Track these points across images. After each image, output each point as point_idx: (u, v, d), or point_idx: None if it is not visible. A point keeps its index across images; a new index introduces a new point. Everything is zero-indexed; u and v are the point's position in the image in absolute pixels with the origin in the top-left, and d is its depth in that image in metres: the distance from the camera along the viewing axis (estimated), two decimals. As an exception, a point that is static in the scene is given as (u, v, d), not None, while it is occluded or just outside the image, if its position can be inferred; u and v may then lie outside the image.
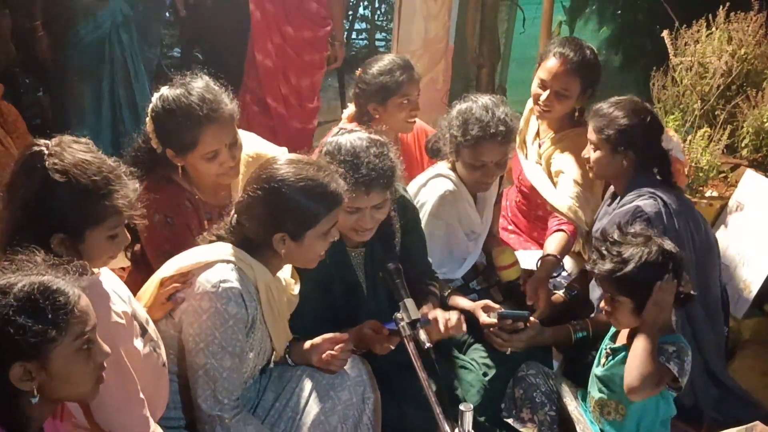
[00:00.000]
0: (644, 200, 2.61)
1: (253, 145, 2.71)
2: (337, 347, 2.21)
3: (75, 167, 1.80)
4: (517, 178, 3.29)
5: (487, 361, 2.63)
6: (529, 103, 3.20)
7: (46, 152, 1.81)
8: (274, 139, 2.91)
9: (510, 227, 3.40)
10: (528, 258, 3.06)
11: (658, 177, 2.71)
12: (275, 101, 4.35)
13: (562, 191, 3.01)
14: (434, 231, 2.81)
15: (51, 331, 1.44)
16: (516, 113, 2.88)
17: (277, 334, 2.18)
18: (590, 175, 2.87)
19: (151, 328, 2.01)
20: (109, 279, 1.93)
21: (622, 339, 2.36)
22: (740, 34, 3.91)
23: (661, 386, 2.21)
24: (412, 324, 2.11)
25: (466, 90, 4.19)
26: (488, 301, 2.68)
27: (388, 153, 2.32)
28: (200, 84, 2.44)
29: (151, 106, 2.45)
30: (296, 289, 2.28)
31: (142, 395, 1.89)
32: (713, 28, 3.93)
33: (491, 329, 2.60)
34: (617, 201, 2.76)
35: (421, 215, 2.76)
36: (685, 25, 3.95)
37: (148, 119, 2.46)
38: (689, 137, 3.66)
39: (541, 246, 3.12)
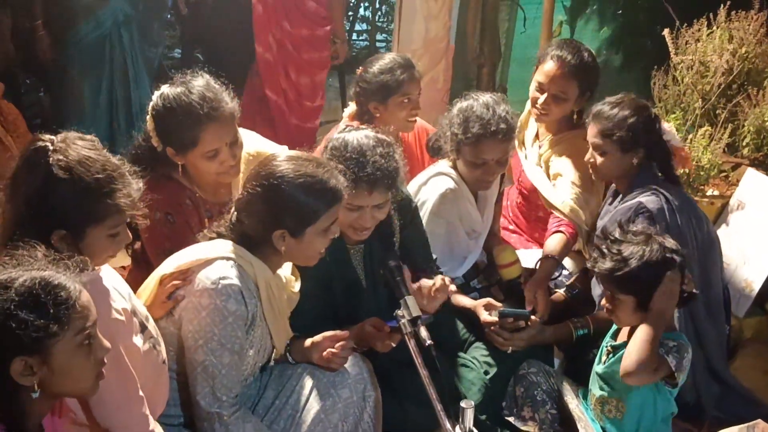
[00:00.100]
0: (647, 196, 2.62)
1: (253, 143, 2.71)
2: (337, 345, 2.21)
3: (79, 164, 1.79)
4: (517, 180, 3.28)
5: (488, 359, 2.63)
6: (528, 104, 3.19)
7: (51, 148, 1.80)
8: (273, 133, 2.91)
9: (511, 227, 3.40)
10: (529, 257, 3.06)
11: (659, 173, 2.71)
12: (275, 94, 4.38)
13: (561, 192, 3.01)
14: (435, 229, 2.81)
15: (52, 326, 1.44)
16: (516, 111, 2.87)
17: (277, 332, 2.18)
18: (594, 177, 2.86)
19: (151, 325, 2.01)
20: (110, 276, 1.93)
21: (623, 337, 2.35)
22: (741, 33, 3.91)
23: (657, 375, 2.20)
24: (413, 321, 2.11)
25: (467, 90, 4.18)
26: (490, 299, 2.68)
27: (394, 154, 2.32)
28: (201, 82, 2.43)
29: (151, 104, 2.45)
30: (296, 286, 2.28)
31: (141, 393, 1.89)
32: (714, 27, 3.93)
33: (492, 328, 2.60)
34: (619, 199, 2.76)
35: (421, 214, 2.76)
36: (686, 24, 3.95)
37: (148, 117, 2.46)
38: (690, 136, 3.66)
39: (542, 246, 3.11)
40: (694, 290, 2.30)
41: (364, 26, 7.32)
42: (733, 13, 3.97)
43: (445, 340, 2.63)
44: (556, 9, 4.90)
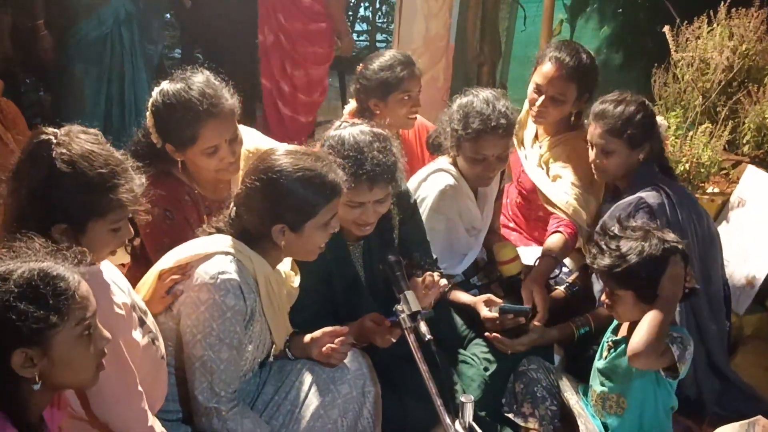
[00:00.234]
0: (647, 192, 2.61)
1: (253, 140, 2.70)
2: (337, 340, 2.20)
3: (82, 158, 1.78)
4: (517, 180, 3.27)
5: (488, 356, 2.62)
6: (527, 104, 3.18)
7: (54, 141, 1.80)
8: (267, 124, 2.92)
9: (511, 225, 3.39)
10: (529, 254, 3.05)
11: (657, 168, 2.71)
12: (269, 83, 4.53)
13: (562, 193, 3.00)
14: (435, 226, 2.80)
15: (52, 316, 1.43)
16: (516, 107, 2.86)
17: (276, 327, 2.17)
18: (597, 178, 2.85)
19: (150, 320, 2.01)
20: (109, 270, 1.92)
21: (623, 332, 2.35)
22: (741, 30, 3.91)
23: (662, 362, 2.19)
24: (413, 316, 2.10)
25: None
26: (490, 296, 2.67)
27: (391, 147, 2.31)
28: (201, 79, 2.43)
29: (151, 100, 2.44)
30: (296, 281, 2.27)
31: (140, 388, 1.88)
32: (714, 24, 3.93)
33: (492, 334, 2.59)
34: (619, 197, 2.75)
35: (421, 210, 2.75)
36: (686, 22, 3.95)
37: (148, 114, 2.45)
38: (690, 133, 3.66)
39: (542, 245, 3.11)
40: (696, 285, 2.29)
41: (365, 26, 7.33)
42: (733, 10, 3.97)
43: (445, 336, 2.63)
44: (557, 7, 4.90)
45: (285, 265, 2.25)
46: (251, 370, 2.19)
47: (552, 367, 2.60)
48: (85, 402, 1.83)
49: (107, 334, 1.57)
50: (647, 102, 2.74)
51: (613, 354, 2.33)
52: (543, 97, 2.97)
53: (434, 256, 2.72)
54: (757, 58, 3.95)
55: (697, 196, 3.37)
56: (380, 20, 7.30)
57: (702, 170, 3.60)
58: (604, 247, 2.25)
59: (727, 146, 3.81)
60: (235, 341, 2.00)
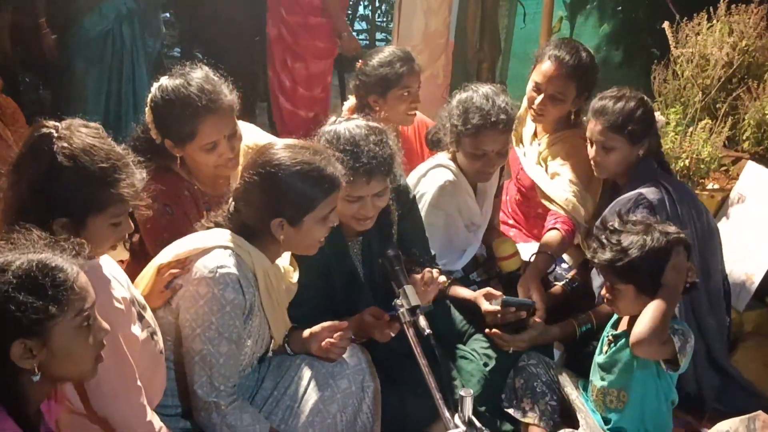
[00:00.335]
0: (647, 187, 2.61)
1: (252, 136, 2.70)
2: (336, 335, 2.20)
3: (83, 152, 1.78)
4: (516, 177, 3.27)
5: (488, 351, 2.62)
6: (525, 102, 3.18)
7: (55, 135, 1.79)
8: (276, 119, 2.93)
9: (510, 221, 3.39)
10: (528, 250, 3.05)
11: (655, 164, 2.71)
12: (272, 73, 4.62)
13: (561, 190, 2.99)
14: (434, 222, 2.79)
15: (51, 307, 1.43)
16: (516, 103, 2.86)
17: (275, 322, 2.17)
18: (597, 174, 2.84)
19: (149, 315, 2.00)
20: (109, 264, 1.92)
21: (623, 326, 2.35)
22: (741, 26, 3.91)
23: (663, 352, 2.18)
24: (412, 311, 2.09)
25: (467, 85, 4.19)
26: (490, 289, 2.66)
27: (387, 140, 2.31)
28: (199, 75, 2.43)
29: (150, 96, 2.44)
30: (295, 277, 2.27)
31: (139, 383, 1.88)
32: (714, 21, 3.93)
33: (492, 330, 2.58)
34: (618, 194, 2.75)
35: (420, 206, 2.75)
36: (686, 19, 3.95)
37: (147, 109, 2.45)
38: (690, 129, 3.65)
39: (541, 242, 3.11)
40: (696, 279, 2.29)
41: (364, 25, 7.33)
42: (733, 6, 3.97)
43: (444, 332, 2.62)
44: (556, 5, 4.90)
45: (284, 261, 2.25)
46: (250, 365, 2.19)
47: (552, 363, 2.59)
48: (84, 397, 1.82)
49: (106, 325, 1.57)
50: (646, 98, 2.74)
51: (614, 348, 2.32)
52: (542, 95, 2.96)
53: (433, 253, 2.72)
54: (757, 55, 3.95)
55: (696, 192, 3.37)
56: (380, 19, 7.30)
57: (702, 166, 3.59)
58: (605, 241, 2.24)
59: (726, 142, 3.81)
60: (234, 335, 2.00)
